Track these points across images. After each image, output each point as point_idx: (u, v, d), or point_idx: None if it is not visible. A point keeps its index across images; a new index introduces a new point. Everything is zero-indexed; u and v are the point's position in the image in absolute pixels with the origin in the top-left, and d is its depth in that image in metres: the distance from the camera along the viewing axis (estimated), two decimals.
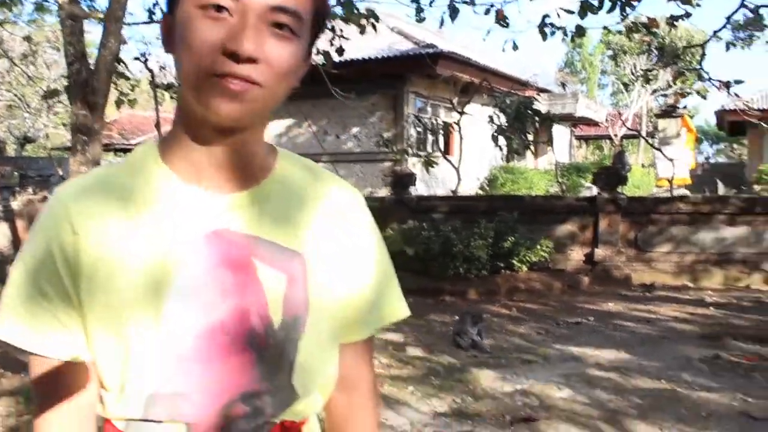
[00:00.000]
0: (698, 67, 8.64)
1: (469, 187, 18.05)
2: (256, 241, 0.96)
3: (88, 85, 4.53)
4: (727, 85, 8.24)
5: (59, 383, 0.94)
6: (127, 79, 6.52)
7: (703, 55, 9.09)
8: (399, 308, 1.10)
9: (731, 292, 9.37)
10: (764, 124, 19.61)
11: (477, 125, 14.56)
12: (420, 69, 15.62)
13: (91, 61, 4.73)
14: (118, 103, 6.29)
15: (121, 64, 6.03)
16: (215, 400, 0.93)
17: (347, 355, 1.07)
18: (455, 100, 14.36)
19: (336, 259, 1.02)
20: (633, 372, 5.47)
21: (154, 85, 12.45)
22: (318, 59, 6.27)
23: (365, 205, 1.10)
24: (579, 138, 36.41)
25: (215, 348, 0.92)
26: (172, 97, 16.42)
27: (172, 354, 0.91)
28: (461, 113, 13.09)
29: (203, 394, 0.92)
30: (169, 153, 0.97)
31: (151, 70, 11.95)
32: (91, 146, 4.70)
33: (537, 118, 11.52)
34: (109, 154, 22.62)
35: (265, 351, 0.95)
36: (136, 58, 10.50)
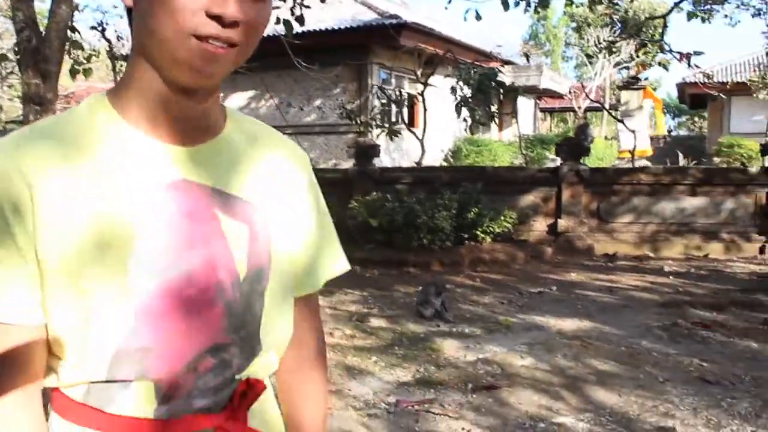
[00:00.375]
0: (660, 38, 8.69)
1: (434, 159, 18.05)
2: (216, 193, 0.95)
3: (40, 52, 4.39)
4: (687, 56, 8.32)
5: (7, 354, 0.87)
6: (82, 48, 6.33)
7: (664, 26, 9.15)
8: (341, 262, 1.14)
9: (691, 262, 9.54)
10: (722, 95, 19.88)
11: (441, 97, 14.52)
12: (384, 40, 15.50)
13: (43, 29, 4.59)
14: (73, 73, 6.11)
15: (76, 32, 5.85)
16: (183, 355, 0.91)
17: (296, 310, 1.08)
18: (419, 72, 14.29)
19: (286, 214, 1.03)
20: (594, 340, 5.54)
21: (112, 55, 12.18)
22: (279, 28, 6.15)
23: (309, 162, 1.12)
24: (543, 110, 36.61)
25: (182, 301, 0.90)
26: None
27: (138, 309, 0.87)
28: (425, 85, 13.03)
29: (171, 349, 0.90)
30: (120, 104, 0.93)
31: (108, 40, 11.69)
32: (45, 116, 4.57)
33: (501, 90, 11.50)
34: None
35: (233, 303, 0.94)
36: (93, 28, 10.25)
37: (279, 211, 1.02)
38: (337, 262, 1.14)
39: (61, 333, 0.88)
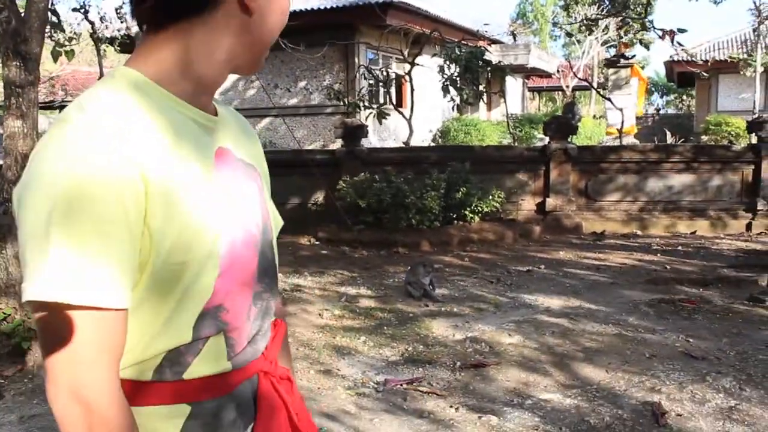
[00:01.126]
0: (642, 16, 8.66)
1: (423, 139, 18.03)
2: (236, 158, 1.07)
3: (19, 34, 4.34)
4: (671, 34, 8.29)
5: (109, 336, 0.88)
6: (62, 30, 6.25)
7: (648, 4, 9.11)
8: (278, 217, 1.25)
9: (678, 239, 9.58)
10: (704, 74, 19.90)
11: (429, 77, 14.45)
12: (370, 19, 15.40)
13: (23, 10, 4.53)
14: (55, 55, 6.04)
15: (55, 14, 5.78)
16: (243, 305, 1.02)
17: None
18: (406, 52, 14.22)
19: (266, 176, 1.18)
20: (581, 317, 5.57)
21: (96, 38, 12.07)
22: None
23: None
24: (532, 90, 36.59)
25: (240, 257, 0.99)
26: (116, 50, 15.99)
27: (219, 270, 0.95)
28: (412, 64, 12.97)
29: (234, 301, 0.99)
30: (160, 78, 0.97)
31: (91, 22, 11.58)
32: (27, 99, 4.53)
33: (488, 69, 11.45)
34: (55, 111, 21.99)
35: (263, 254, 1.06)
36: (75, 9, 10.14)
37: (263, 172, 1.16)
38: (279, 219, 1.25)
39: (151, 308, 0.93)
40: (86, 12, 9.67)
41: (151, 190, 0.87)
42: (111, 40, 13.94)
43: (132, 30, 14.58)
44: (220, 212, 0.96)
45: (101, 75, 15.68)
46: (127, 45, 14.70)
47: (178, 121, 0.96)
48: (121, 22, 13.62)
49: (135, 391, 0.94)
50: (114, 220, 0.84)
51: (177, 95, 0.98)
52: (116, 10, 12.20)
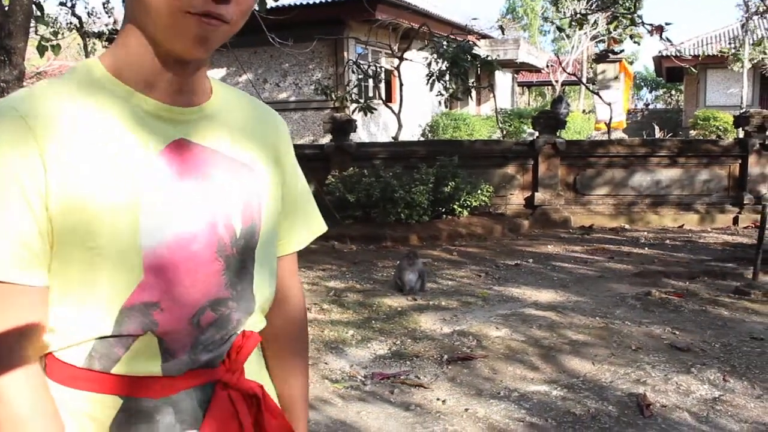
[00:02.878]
0: (631, 10, 8.69)
1: (412, 134, 18.03)
2: (213, 153, 1.00)
3: (3, 28, 4.32)
4: (659, 29, 8.32)
5: (8, 317, 0.87)
6: (46, 24, 6.22)
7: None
8: (321, 223, 1.23)
9: (666, 233, 9.64)
10: (693, 69, 19.99)
11: (419, 72, 14.46)
12: (359, 14, 15.38)
13: (7, 4, 4.50)
14: (41, 50, 6.01)
15: (39, 8, 5.75)
16: (187, 309, 0.94)
17: (281, 268, 1.16)
18: (395, 47, 14.21)
19: (273, 176, 1.09)
20: (569, 310, 5.60)
21: (83, 32, 12.00)
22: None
23: (288, 131, 1.20)
24: (521, 84, 36.66)
25: (187, 257, 0.94)
26: (104, 46, 15.88)
27: (146, 264, 0.90)
28: (401, 59, 12.97)
29: (175, 304, 0.93)
30: (117, 68, 0.95)
31: (78, 17, 11.51)
32: (12, 93, 4.50)
33: (477, 63, 11.46)
34: None
35: (231, 259, 0.99)
36: (62, 4, 10.07)
37: (267, 172, 1.08)
38: (315, 224, 1.21)
39: (66, 290, 0.89)
40: (73, 6, 9.60)
41: (51, 176, 0.86)
42: (98, 35, 13.86)
43: (119, 24, 14.51)
44: (150, 205, 0.91)
45: None
46: (115, 39, 14.61)
47: (120, 113, 0.92)
48: (109, 17, 13.55)
49: (70, 375, 0.92)
50: (8, 196, 0.84)
51: (133, 86, 0.94)
52: (103, 4, 12.14)
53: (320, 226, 1.22)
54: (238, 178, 1.01)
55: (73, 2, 9.65)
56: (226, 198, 0.99)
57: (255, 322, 1.07)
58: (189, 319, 0.95)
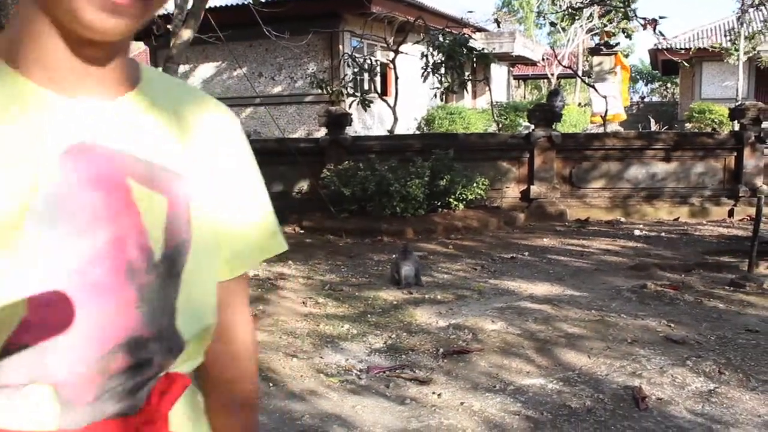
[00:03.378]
0: (626, 4, 8.67)
1: (408, 127, 18.01)
2: (130, 158, 0.79)
3: None
4: (653, 23, 8.30)
5: None
6: None
7: None
8: (278, 242, 0.98)
9: (661, 226, 9.64)
10: (686, 63, 19.99)
11: (414, 65, 14.43)
12: (355, 7, 15.35)
13: None
14: None
15: None
16: (90, 351, 0.75)
17: (223, 294, 0.92)
18: (391, 40, 14.18)
19: (215, 184, 0.88)
20: (564, 303, 5.59)
21: None
22: None
23: (242, 130, 0.97)
24: (517, 78, 36.63)
25: (85, 287, 0.74)
26: None
27: (31, 299, 0.71)
28: (396, 52, 12.94)
29: (73, 346, 0.74)
30: (11, 53, 0.77)
31: None
32: None
33: (472, 56, 11.44)
34: None
35: (146, 288, 0.78)
36: None
37: (205, 181, 0.87)
38: (271, 241, 0.97)
39: None
40: None
41: None
42: None
43: None
44: (38, 222, 0.72)
45: None
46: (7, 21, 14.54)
47: (13, 110, 0.74)
48: None
49: None
50: None
51: (29, 77, 0.76)
52: None
53: (276, 245, 0.97)
54: (163, 187, 0.81)
55: None
56: (143, 213, 0.79)
57: (186, 361, 0.86)
58: (93, 365, 0.75)
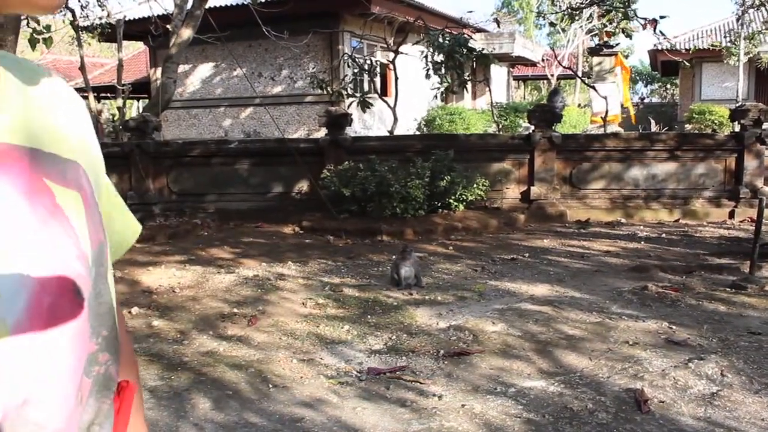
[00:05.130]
0: (626, 4, 8.65)
1: (408, 128, 18.00)
2: (36, 154, 0.66)
3: None
4: (653, 23, 8.28)
5: None
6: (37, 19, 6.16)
7: None
8: (136, 223, 0.90)
9: (662, 227, 9.61)
10: (686, 63, 19.97)
11: (414, 65, 14.42)
12: (354, 7, 15.34)
13: None
14: (32, 43, 5.94)
15: None
16: (65, 385, 0.64)
17: None
18: (390, 40, 14.16)
19: (91, 167, 0.76)
20: (565, 305, 5.57)
21: (76, 26, 11.92)
22: None
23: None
24: (517, 78, 36.62)
25: (57, 306, 0.63)
26: (99, 41, 15.80)
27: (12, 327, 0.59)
28: (396, 52, 12.92)
29: (48, 383, 0.62)
30: None
31: (71, 10, 11.43)
32: None
33: (472, 57, 11.42)
34: None
35: (92, 296, 0.68)
36: None
37: (87, 162, 0.75)
38: (133, 223, 0.90)
39: None
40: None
41: None
42: (92, 29, 13.78)
43: (113, 17, 14.42)
44: None
45: (82, 63, 15.50)
46: (108, 33, 14.55)
47: None
48: (102, 10, 13.46)
49: None
50: None
51: None
52: None
53: (136, 227, 0.90)
54: (74, 183, 0.70)
55: None
56: (69, 215, 0.67)
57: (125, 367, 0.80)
58: (70, 395, 0.65)
